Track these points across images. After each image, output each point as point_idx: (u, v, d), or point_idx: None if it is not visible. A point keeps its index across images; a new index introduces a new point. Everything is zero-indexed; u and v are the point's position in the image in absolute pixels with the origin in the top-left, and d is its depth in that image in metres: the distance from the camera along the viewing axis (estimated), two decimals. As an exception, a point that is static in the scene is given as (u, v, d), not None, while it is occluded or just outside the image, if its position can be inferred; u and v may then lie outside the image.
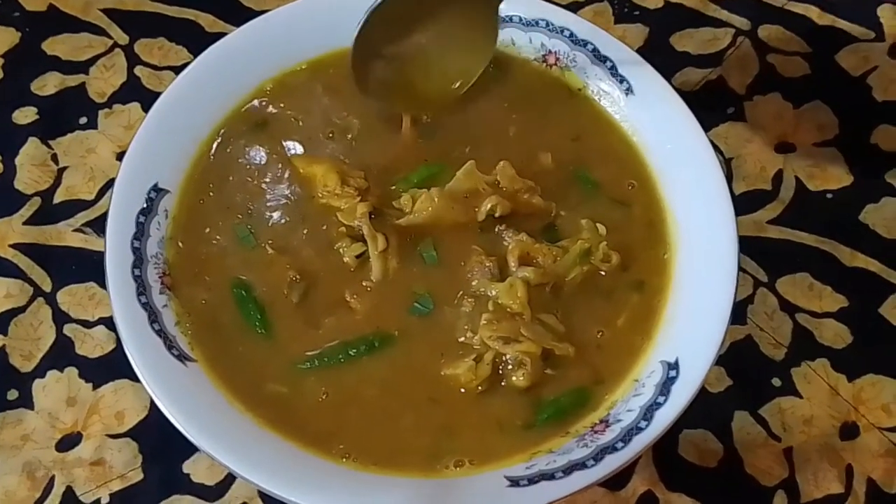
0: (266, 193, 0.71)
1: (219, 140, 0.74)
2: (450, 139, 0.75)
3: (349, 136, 0.75)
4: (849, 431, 0.72)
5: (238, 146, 0.73)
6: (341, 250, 0.68)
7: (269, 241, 0.69)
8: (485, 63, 0.75)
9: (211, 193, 0.71)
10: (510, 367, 0.65)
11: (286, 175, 0.72)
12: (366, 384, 0.65)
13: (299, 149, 0.73)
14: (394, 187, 0.72)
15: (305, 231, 0.70)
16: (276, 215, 0.71)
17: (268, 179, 0.72)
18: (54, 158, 0.82)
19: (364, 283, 0.68)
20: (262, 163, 0.73)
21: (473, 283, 0.68)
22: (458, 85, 0.75)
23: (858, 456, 0.71)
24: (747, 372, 0.74)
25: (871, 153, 0.84)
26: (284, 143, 0.74)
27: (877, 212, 0.81)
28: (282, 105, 0.76)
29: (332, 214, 0.70)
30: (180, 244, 0.69)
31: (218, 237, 0.70)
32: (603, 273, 0.68)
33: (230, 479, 0.69)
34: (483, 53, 0.75)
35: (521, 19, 0.77)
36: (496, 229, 0.69)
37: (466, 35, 0.74)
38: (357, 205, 0.68)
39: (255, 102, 0.76)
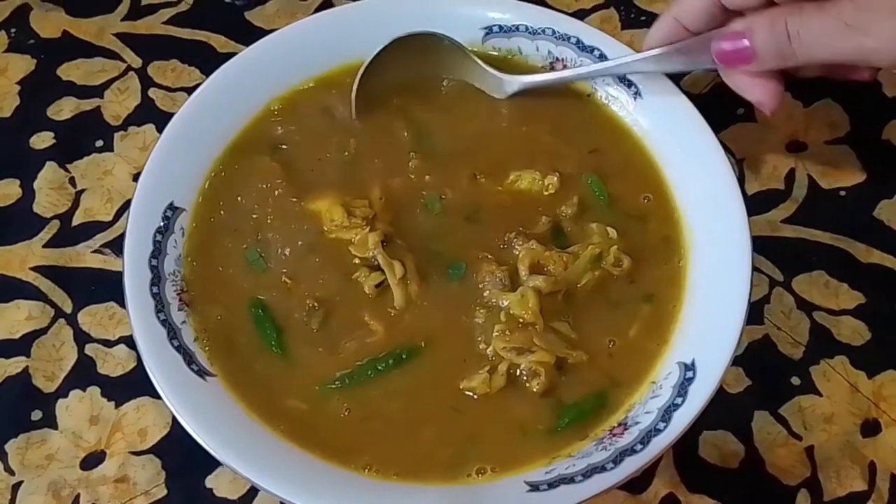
0: (276, 224, 0.72)
1: (228, 161, 0.74)
2: (457, 152, 0.75)
3: (349, 153, 0.76)
4: (870, 428, 0.72)
5: (245, 171, 0.74)
6: (360, 280, 0.68)
7: (284, 270, 0.70)
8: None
9: (222, 212, 0.72)
10: (524, 377, 0.65)
11: (294, 209, 0.72)
12: (389, 398, 0.65)
13: (304, 175, 0.74)
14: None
15: (317, 260, 0.70)
16: (288, 247, 0.71)
17: (277, 211, 0.72)
18: (72, 181, 0.83)
19: (388, 309, 0.68)
20: (269, 193, 0.73)
21: (485, 294, 0.68)
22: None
23: (881, 453, 0.70)
24: (766, 371, 0.73)
25: (883, 149, 0.84)
26: (289, 171, 0.74)
27: (891, 207, 0.80)
28: (289, 128, 0.77)
29: (344, 247, 0.70)
30: (194, 263, 0.70)
31: (230, 259, 0.71)
32: (615, 274, 0.69)
33: (253, 492, 0.69)
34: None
35: (527, 28, 0.78)
36: (506, 237, 0.70)
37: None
38: (368, 235, 0.69)
39: (262, 126, 0.76)
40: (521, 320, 0.66)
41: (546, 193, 0.72)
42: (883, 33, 0.58)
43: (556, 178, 0.72)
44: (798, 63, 0.62)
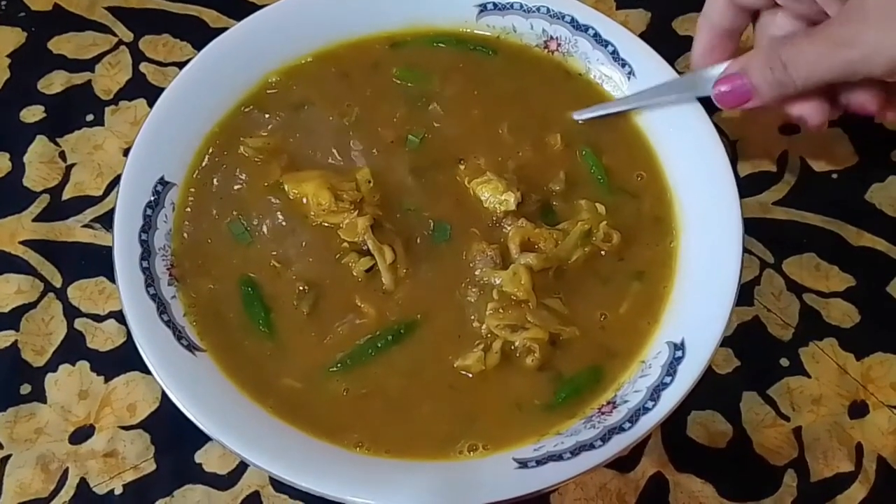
0: (262, 203, 0.72)
1: (219, 137, 0.74)
2: (451, 128, 0.75)
3: (347, 121, 0.76)
4: (858, 410, 0.72)
5: (235, 147, 0.74)
6: (350, 265, 0.68)
7: (274, 253, 0.70)
8: None
9: (211, 187, 0.72)
10: (518, 354, 0.65)
11: (281, 189, 0.72)
12: (387, 378, 0.65)
13: (296, 152, 0.74)
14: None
15: (305, 241, 0.70)
16: (274, 228, 0.71)
17: (264, 189, 0.72)
18: (62, 156, 0.83)
19: (378, 292, 0.68)
20: (258, 170, 0.73)
21: (477, 273, 0.68)
22: None
23: (868, 434, 0.71)
24: (755, 353, 0.74)
25: (876, 133, 0.84)
26: (280, 148, 0.74)
27: (883, 190, 0.81)
28: (284, 102, 0.76)
29: (332, 230, 0.70)
30: (185, 236, 0.70)
31: (218, 233, 0.70)
32: (604, 253, 0.69)
33: (242, 467, 0.69)
34: None
35: (521, 6, 0.78)
36: (493, 217, 0.70)
37: None
38: (357, 220, 0.69)
39: (255, 101, 0.76)
40: (513, 297, 0.66)
41: (500, 209, 0.70)
42: (867, 43, 0.60)
43: (512, 198, 0.69)
44: (798, 89, 0.65)
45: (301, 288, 0.68)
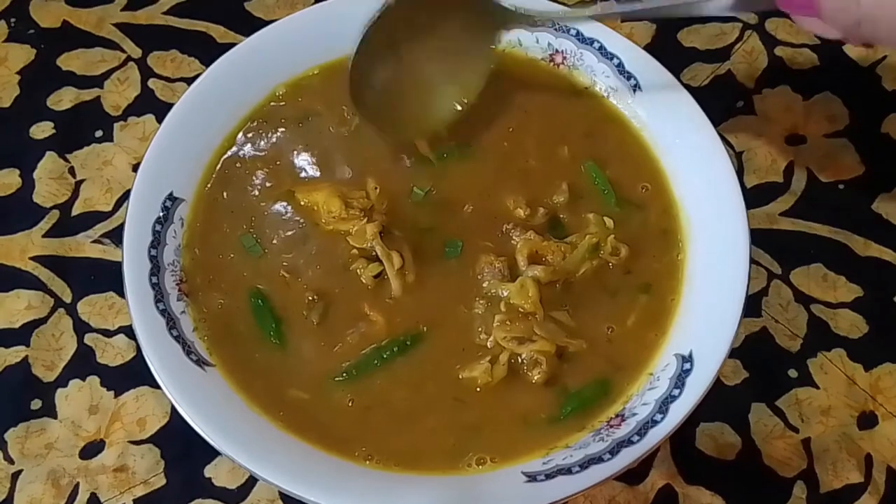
0: (273, 215, 0.72)
1: (227, 152, 0.75)
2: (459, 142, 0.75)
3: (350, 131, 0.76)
4: (867, 421, 0.72)
5: (244, 161, 0.75)
6: (358, 271, 0.69)
7: (285, 264, 0.70)
8: (484, 80, 0.75)
9: (221, 202, 0.73)
10: (525, 366, 0.66)
11: (291, 200, 0.73)
12: (392, 389, 0.66)
13: (305, 164, 0.75)
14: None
15: (314, 252, 0.71)
16: (284, 239, 0.71)
17: (274, 202, 0.73)
18: (71, 171, 0.83)
19: (386, 301, 0.68)
20: (267, 182, 0.74)
21: (484, 285, 0.69)
22: (459, 107, 0.75)
23: (877, 445, 0.71)
24: (763, 364, 0.74)
25: (882, 143, 0.84)
26: (289, 160, 0.75)
27: (889, 201, 0.81)
28: (290, 113, 0.77)
29: (341, 238, 0.70)
30: (196, 251, 0.70)
31: (229, 247, 0.71)
32: (611, 265, 0.69)
33: (252, 482, 0.70)
34: (482, 71, 0.75)
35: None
36: (504, 228, 0.70)
37: (465, 52, 0.74)
38: (366, 226, 0.69)
39: (262, 115, 0.77)
40: (521, 310, 0.66)
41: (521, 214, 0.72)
42: None
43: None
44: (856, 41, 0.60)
45: (311, 298, 0.68)
